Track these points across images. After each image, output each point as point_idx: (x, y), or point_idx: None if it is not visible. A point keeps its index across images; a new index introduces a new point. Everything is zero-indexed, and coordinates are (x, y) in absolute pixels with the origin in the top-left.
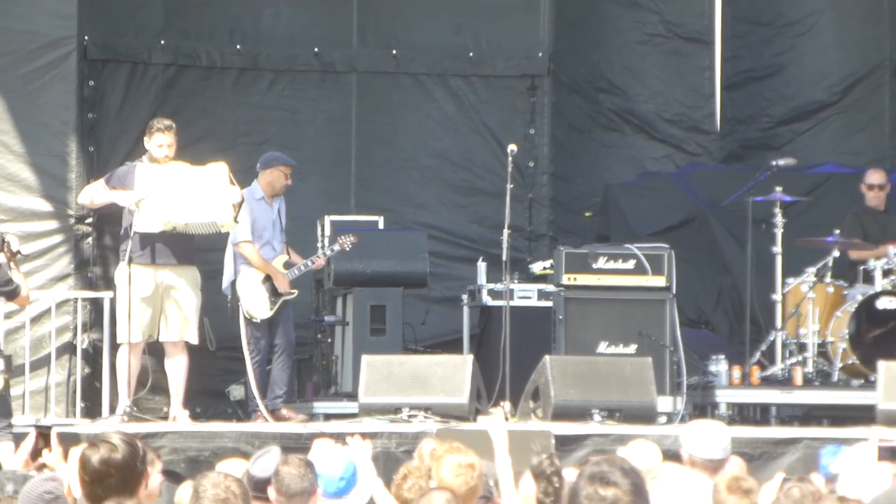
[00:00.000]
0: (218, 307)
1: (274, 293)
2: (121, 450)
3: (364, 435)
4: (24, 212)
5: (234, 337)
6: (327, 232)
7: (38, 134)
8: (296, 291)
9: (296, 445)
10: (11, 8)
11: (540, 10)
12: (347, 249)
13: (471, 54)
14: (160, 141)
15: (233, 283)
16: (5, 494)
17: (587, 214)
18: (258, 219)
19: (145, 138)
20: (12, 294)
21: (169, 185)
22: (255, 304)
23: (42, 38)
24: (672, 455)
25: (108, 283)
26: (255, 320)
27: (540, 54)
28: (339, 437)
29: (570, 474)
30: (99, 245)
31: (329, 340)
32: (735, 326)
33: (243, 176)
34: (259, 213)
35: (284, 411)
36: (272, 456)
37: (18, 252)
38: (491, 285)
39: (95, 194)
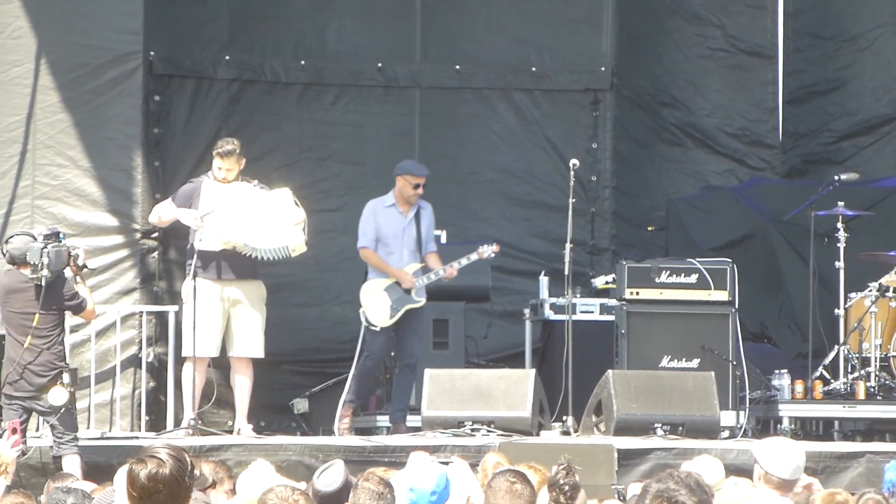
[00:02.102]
0: (282, 321)
1: (397, 302)
2: (168, 464)
3: (427, 448)
4: (91, 226)
5: (298, 350)
6: None
7: (105, 148)
8: (422, 301)
9: (358, 459)
10: (78, 23)
11: (603, 24)
12: (487, 258)
13: (533, 69)
14: (219, 164)
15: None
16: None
17: (650, 229)
18: (383, 226)
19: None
20: (78, 308)
21: (231, 206)
22: (375, 310)
23: (108, 54)
24: (735, 470)
25: (174, 298)
26: (373, 328)
27: (602, 68)
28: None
29: (634, 489)
30: (164, 259)
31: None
32: (796, 341)
33: (308, 191)
34: (385, 221)
35: (403, 426)
36: (336, 469)
37: (85, 266)
38: (553, 299)
39: (163, 212)
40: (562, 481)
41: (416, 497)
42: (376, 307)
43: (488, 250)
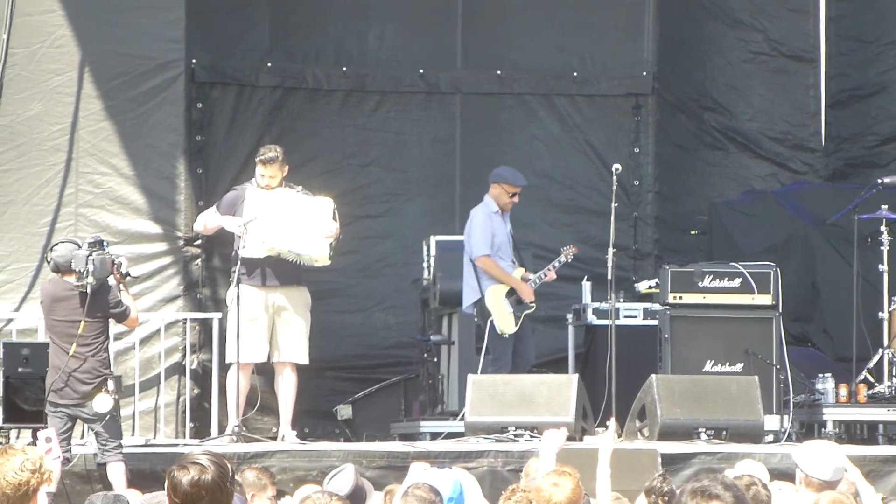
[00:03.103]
0: (326, 327)
1: (518, 309)
2: (211, 471)
3: (470, 454)
4: (134, 234)
5: (341, 357)
6: (432, 252)
7: (147, 156)
8: (534, 306)
9: (402, 465)
10: (120, 32)
11: (644, 29)
12: (569, 260)
13: (575, 74)
14: (262, 171)
15: (479, 301)
16: None
17: (693, 233)
18: (497, 232)
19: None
20: (122, 316)
21: (275, 212)
22: (502, 318)
23: (150, 62)
24: (779, 474)
25: (217, 305)
26: (504, 335)
27: (644, 73)
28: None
29: None
30: (207, 266)
31: (435, 360)
32: (834, 345)
33: (350, 197)
34: (497, 227)
35: None
36: (347, 474)
37: (128, 274)
38: (596, 304)
39: (208, 220)
40: (658, 485)
41: None
42: (503, 315)
43: (570, 251)
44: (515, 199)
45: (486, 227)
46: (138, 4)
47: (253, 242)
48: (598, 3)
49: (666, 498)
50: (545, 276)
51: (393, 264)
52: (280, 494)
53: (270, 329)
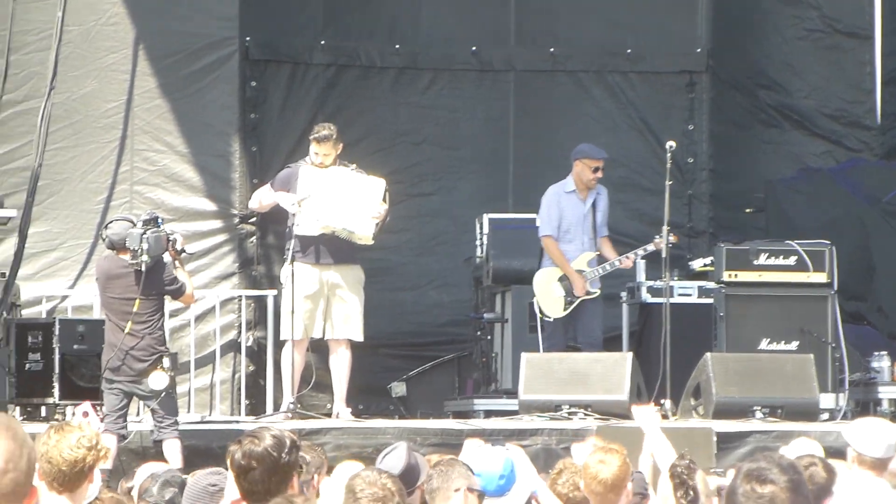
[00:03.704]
0: (380, 305)
1: (571, 294)
2: (263, 443)
3: (524, 432)
4: (189, 211)
5: (395, 334)
6: (485, 230)
7: (202, 134)
8: (597, 292)
9: (456, 442)
10: (174, 10)
11: (698, 6)
12: (659, 249)
13: (628, 51)
14: (316, 150)
15: None
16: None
17: (748, 211)
18: (565, 213)
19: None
20: (177, 293)
21: (328, 190)
22: (549, 301)
23: (204, 40)
24: (834, 452)
25: (272, 282)
26: (546, 318)
27: (698, 50)
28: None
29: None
30: (262, 244)
31: (488, 338)
32: (894, 323)
33: (403, 175)
34: (567, 207)
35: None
36: (399, 453)
37: (183, 251)
38: (650, 282)
39: (263, 197)
40: (677, 464)
41: (485, 482)
42: (550, 298)
43: (660, 242)
44: (599, 174)
45: (552, 206)
46: None
47: (307, 220)
48: None
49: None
50: (619, 263)
51: (445, 242)
52: (331, 471)
53: (325, 306)
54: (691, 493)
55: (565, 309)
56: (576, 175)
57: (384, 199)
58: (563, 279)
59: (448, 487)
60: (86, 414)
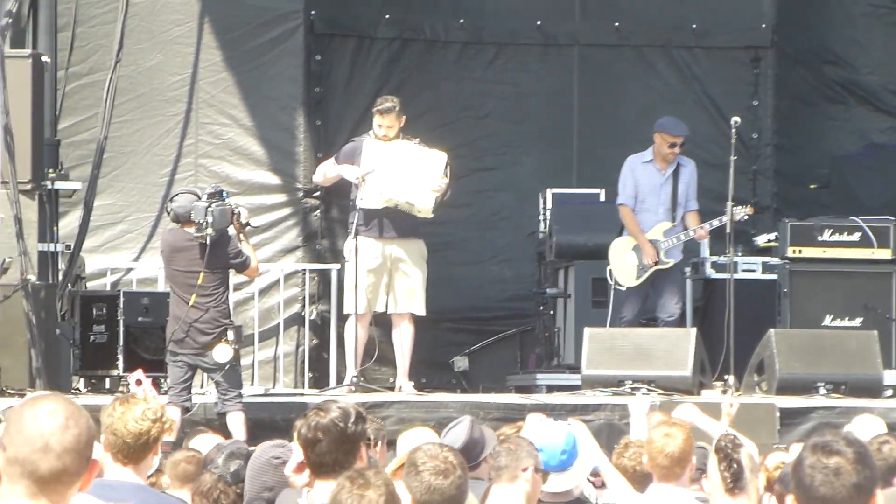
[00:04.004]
0: (441, 279)
1: (642, 261)
2: (328, 414)
3: (587, 407)
4: (253, 185)
5: (457, 309)
6: (549, 205)
7: (267, 108)
8: (671, 262)
9: (518, 417)
10: None
11: None
12: (740, 220)
13: (693, 26)
14: (379, 122)
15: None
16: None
17: (812, 187)
18: (640, 182)
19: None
20: (242, 266)
21: (392, 163)
22: (622, 270)
23: (270, 13)
24: None
25: (336, 256)
26: (619, 287)
27: (763, 25)
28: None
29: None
30: (326, 218)
31: (551, 313)
32: None
33: (466, 149)
34: (642, 177)
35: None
36: (462, 426)
37: (248, 224)
38: (714, 258)
39: (327, 170)
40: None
41: (547, 457)
42: (623, 267)
43: (741, 213)
44: (676, 150)
45: (627, 176)
46: None
47: (370, 193)
48: None
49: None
50: (693, 233)
51: (508, 217)
52: (392, 444)
53: (388, 280)
54: (734, 465)
55: (637, 278)
56: (655, 147)
57: (445, 174)
58: (638, 248)
59: (516, 467)
60: (139, 382)
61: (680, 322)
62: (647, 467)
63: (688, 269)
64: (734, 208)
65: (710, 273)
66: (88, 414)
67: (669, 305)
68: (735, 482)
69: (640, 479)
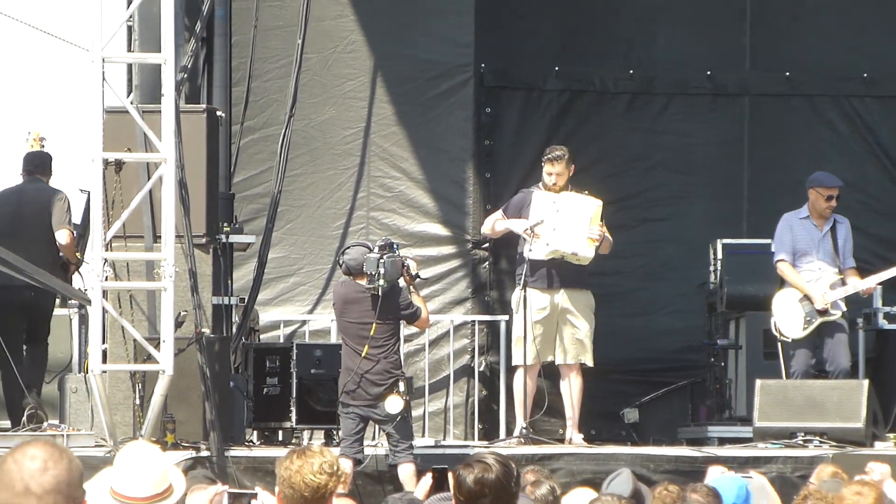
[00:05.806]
0: (610, 330)
1: (811, 314)
2: (495, 470)
3: (759, 459)
4: (423, 237)
5: (626, 360)
6: (719, 255)
7: (437, 160)
8: (837, 314)
9: (690, 469)
10: (411, 37)
11: None
12: None
13: (864, 74)
14: (549, 170)
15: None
16: None
17: None
18: (799, 237)
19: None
20: (413, 317)
21: (558, 214)
22: (788, 322)
23: (441, 67)
24: None
25: (504, 307)
26: (784, 339)
27: None
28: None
29: None
30: (495, 269)
31: (722, 364)
32: None
33: (635, 200)
34: (800, 232)
35: None
36: (624, 478)
37: (417, 276)
38: (887, 308)
39: (496, 223)
40: None
41: None
42: (789, 318)
43: None
44: (833, 203)
45: (784, 232)
46: (429, 9)
47: (538, 244)
48: (893, 1)
49: None
50: (857, 287)
51: (677, 268)
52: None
53: (556, 331)
54: None
55: (804, 328)
56: (811, 203)
57: (601, 221)
58: (804, 300)
59: None
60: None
61: (851, 374)
62: None
63: (860, 321)
64: None
65: (883, 324)
66: (72, 455)
67: (839, 358)
68: None
69: None
